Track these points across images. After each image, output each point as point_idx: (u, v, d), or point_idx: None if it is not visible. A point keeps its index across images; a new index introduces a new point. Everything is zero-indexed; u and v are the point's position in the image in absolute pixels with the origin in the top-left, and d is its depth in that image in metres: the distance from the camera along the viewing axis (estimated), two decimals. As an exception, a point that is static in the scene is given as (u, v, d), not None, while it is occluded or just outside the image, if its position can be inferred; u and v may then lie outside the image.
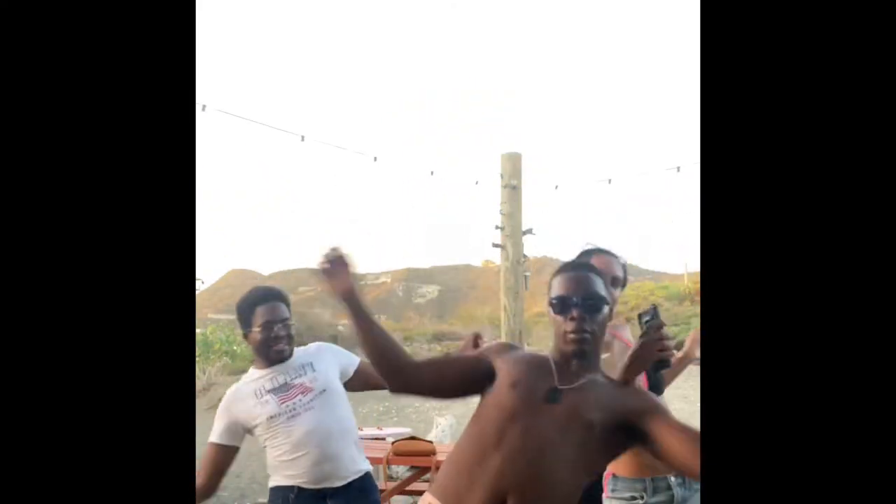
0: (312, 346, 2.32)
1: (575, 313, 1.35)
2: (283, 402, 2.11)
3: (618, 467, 1.78)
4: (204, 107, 3.62)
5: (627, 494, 1.77)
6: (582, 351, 1.37)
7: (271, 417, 2.11)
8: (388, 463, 3.83)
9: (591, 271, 1.43)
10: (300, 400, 2.11)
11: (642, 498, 1.75)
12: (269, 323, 2.13)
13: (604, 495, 1.84)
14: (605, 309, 1.40)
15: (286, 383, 2.14)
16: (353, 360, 2.28)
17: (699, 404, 1.01)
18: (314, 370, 2.17)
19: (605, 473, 1.80)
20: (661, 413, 1.31)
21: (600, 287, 1.41)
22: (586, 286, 1.39)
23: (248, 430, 2.16)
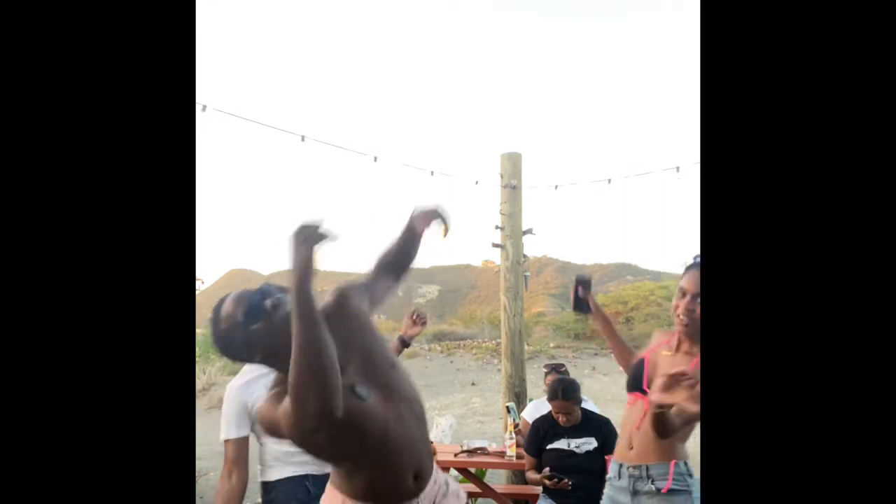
0: None
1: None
2: None
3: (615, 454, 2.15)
4: (204, 107, 3.61)
5: (610, 473, 2.11)
6: None
7: None
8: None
9: None
10: None
11: (609, 479, 2.09)
12: None
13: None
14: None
15: None
16: None
17: (699, 404, 1.01)
18: None
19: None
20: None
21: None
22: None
23: (253, 421, 2.12)
